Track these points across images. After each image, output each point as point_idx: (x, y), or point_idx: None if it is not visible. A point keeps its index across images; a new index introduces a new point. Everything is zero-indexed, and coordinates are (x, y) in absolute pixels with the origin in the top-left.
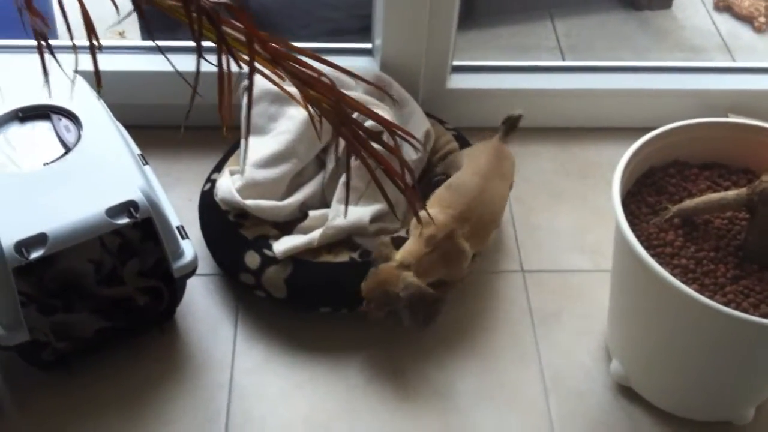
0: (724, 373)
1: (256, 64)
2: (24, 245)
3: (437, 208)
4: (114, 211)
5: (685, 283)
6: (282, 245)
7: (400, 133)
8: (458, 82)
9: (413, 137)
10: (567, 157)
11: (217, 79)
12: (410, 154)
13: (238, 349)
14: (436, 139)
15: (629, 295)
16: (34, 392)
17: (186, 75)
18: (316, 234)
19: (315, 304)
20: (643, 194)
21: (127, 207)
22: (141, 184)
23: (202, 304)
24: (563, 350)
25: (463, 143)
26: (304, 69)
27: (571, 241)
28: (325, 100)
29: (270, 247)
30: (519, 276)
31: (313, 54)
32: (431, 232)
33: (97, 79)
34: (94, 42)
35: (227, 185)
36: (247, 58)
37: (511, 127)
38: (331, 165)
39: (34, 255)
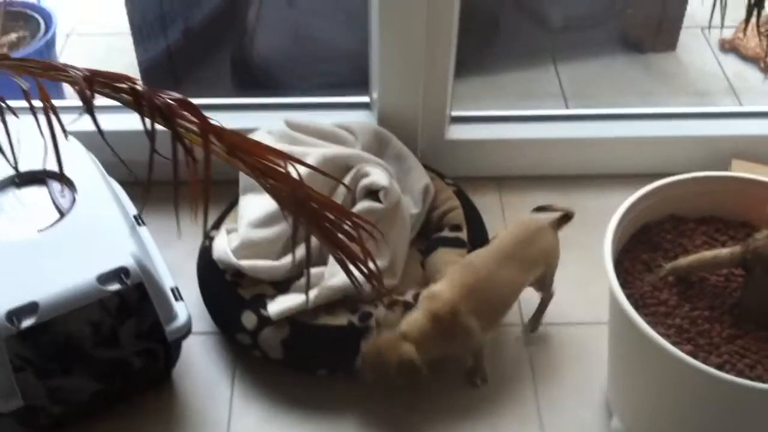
0: None
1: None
2: (15, 314)
3: (447, 283)
4: (105, 278)
5: (679, 343)
6: (277, 306)
7: (360, 222)
8: (457, 132)
9: (373, 225)
10: (568, 205)
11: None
12: (410, 208)
13: (235, 410)
14: (436, 194)
15: (624, 354)
16: None
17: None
18: (311, 294)
19: (312, 366)
20: (638, 251)
21: (118, 273)
22: (133, 249)
23: (200, 364)
24: (564, 407)
25: (464, 199)
26: (261, 160)
27: (574, 293)
28: (285, 188)
29: (267, 307)
30: (520, 330)
31: (274, 149)
32: (436, 307)
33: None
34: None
35: (223, 245)
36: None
37: (564, 219)
38: None
39: (26, 323)
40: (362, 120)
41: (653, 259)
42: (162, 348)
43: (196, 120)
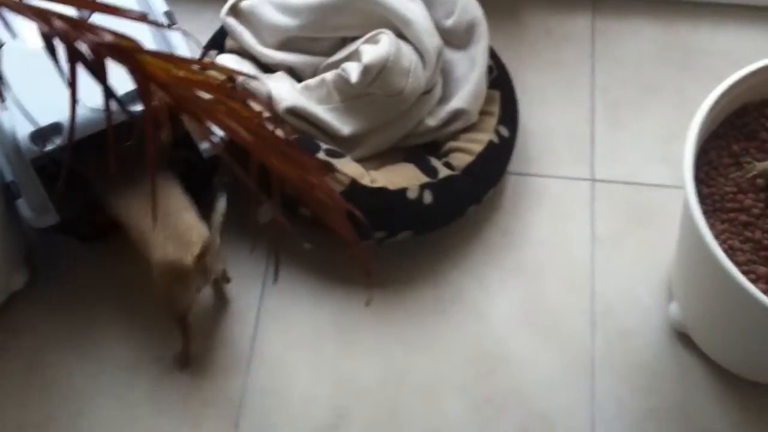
0: None
1: None
2: (40, 135)
3: None
4: (130, 98)
5: (753, 262)
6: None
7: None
8: None
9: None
10: (671, 40)
11: None
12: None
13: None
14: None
15: (691, 257)
16: (73, 260)
17: None
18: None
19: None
20: (729, 138)
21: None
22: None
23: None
24: (620, 280)
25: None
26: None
27: (656, 148)
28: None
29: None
30: (587, 185)
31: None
32: None
33: None
34: None
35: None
36: None
37: None
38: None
39: (50, 145)
40: None
41: (745, 150)
42: (201, 162)
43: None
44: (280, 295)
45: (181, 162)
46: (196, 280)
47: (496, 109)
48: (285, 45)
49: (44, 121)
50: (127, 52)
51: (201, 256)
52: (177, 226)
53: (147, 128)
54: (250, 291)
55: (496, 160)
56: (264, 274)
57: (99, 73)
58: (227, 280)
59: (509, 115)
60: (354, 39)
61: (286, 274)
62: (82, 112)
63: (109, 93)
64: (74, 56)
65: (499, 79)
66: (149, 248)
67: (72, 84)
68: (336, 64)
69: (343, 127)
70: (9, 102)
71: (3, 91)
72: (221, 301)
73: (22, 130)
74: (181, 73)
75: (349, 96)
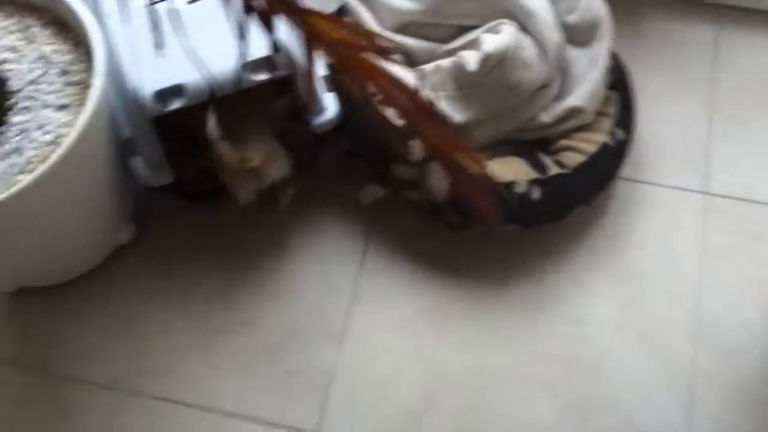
0: None
1: None
2: (163, 95)
3: None
4: (253, 66)
5: None
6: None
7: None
8: None
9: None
10: None
11: None
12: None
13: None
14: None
15: None
16: (178, 219)
17: None
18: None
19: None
20: None
21: (267, 62)
22: (283, 37)
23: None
24: (728, 297)
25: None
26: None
27: None
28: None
29: None
30: (698, 198)
31: None
32: None
33: None
34: None
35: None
36: None
37: None
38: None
39: (172, 106)
40: None
41: None
42: (310, 137)
43: None
44: (377, 275)
45: (288, 135)
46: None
47: (612, 110)
48: (403, 29)
49: (169, 82)
50: (298, 10)
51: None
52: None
53: (309, 82)
54: (348, 267)
55: (609, 163)
56: (363, 251)
57: (268, 26)
58: (285, 189)
59: (626, 117)
60: (473, 28)
61: (385, 255)
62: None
63: (276, 46)
64: (249, 9)
65: (618, 80)
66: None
67: (244, 34)
68: (453, 52)
69: (455, 115)
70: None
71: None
72: (273, 205)
73: (148, 88)
74: (345, 36)
75: (464, 84)
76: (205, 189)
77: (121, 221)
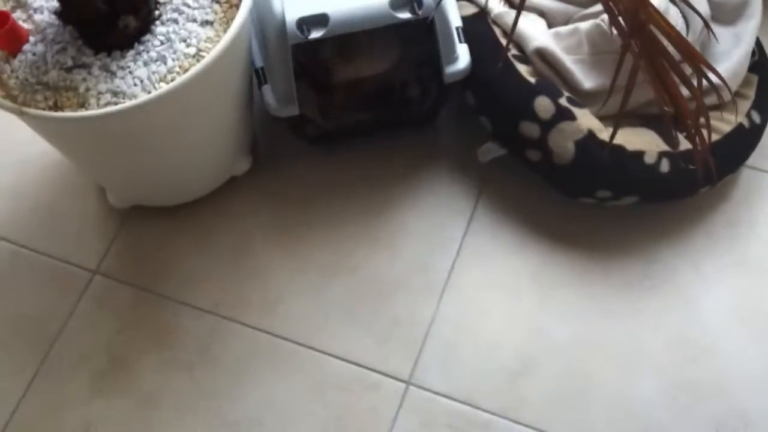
0: None
1: None
2: (306, 23)
3: None
4: (398, 4)
5: None
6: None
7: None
8: None
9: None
10: None
11: None
12: None
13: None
14: None
15: None
16: (293, 159)
17: None
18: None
19: (595, 185)
20: None
21: (411, 2)
22: None
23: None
24: None
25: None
26: None
27: None
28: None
29: (564, 98)
30: None
31: None
32: None
33: None
34: None
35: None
36: None
37: None
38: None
39: (314, 34)
40: None
41: None
42: (436, 88)
43: None
44: (485, 235)
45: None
46: None
47: (752, 93)
48: None
49: (314, 10)
50: None
51: None
52: None
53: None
54: (456, 224)
55: (742, 145)
56: (472, 209)
57: None
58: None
59: (764, 102)
60: None
61: (494, 215)
62: (354, 6)
63: None
64: None
65: (759, 63)
66: None
67: None
68: (592, 16)
69: (585, 80)
70: None
71: None
72: None
73: (292, 14)
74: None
75: (599, 50)
76: (326, 130)
77: (240, 150)
